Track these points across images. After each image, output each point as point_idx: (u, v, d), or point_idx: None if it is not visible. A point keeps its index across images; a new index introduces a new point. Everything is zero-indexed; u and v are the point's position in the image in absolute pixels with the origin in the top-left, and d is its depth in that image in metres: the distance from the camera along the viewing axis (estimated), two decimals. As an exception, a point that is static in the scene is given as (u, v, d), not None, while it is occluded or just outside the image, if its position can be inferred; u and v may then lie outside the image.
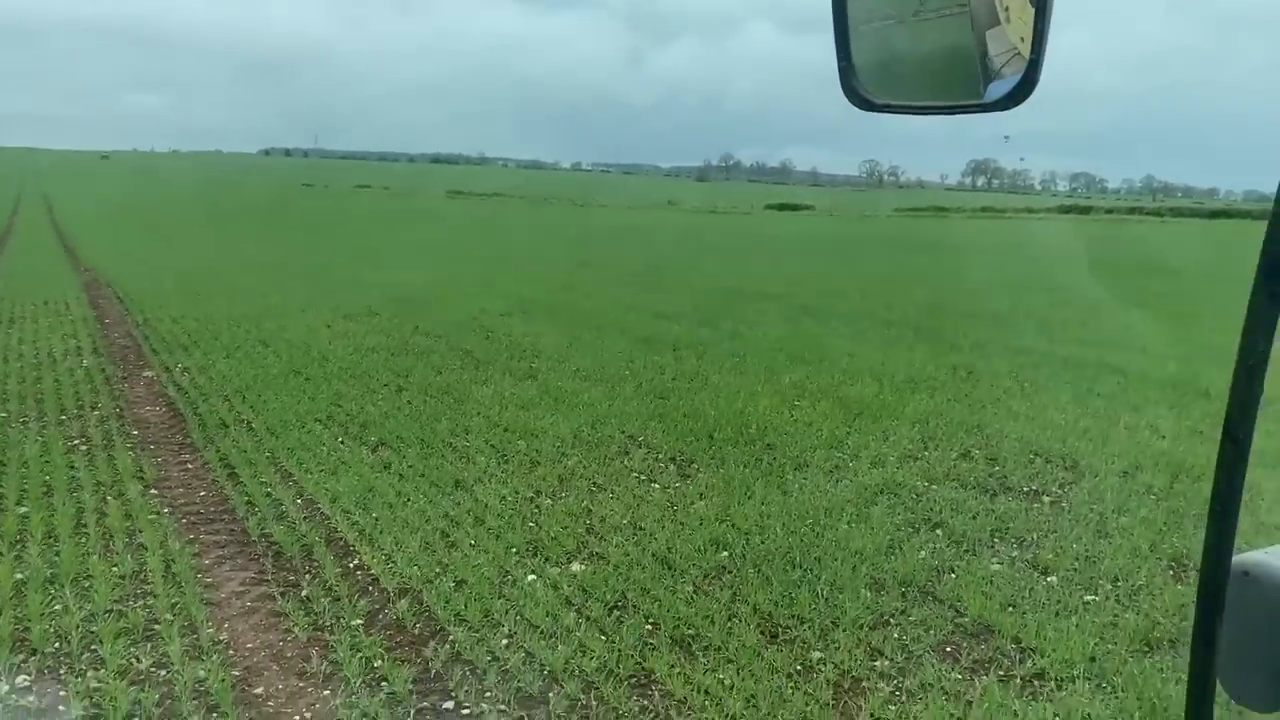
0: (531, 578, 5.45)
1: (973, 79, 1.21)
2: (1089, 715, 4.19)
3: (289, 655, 4.66)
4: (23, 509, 6.24)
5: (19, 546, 5.62)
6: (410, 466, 7.36)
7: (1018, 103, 1.12)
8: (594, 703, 4.23)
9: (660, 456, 7.74)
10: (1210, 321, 14.54)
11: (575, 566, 5.66)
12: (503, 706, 4.23)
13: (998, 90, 1.18)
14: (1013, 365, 11.53)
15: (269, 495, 6.65)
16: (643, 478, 7.22)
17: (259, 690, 4.37)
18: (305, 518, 6.27)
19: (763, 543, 5.97)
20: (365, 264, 22.17)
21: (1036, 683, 4.51)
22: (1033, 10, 1.12)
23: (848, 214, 65.51)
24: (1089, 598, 5.38)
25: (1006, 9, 1.18)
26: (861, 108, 1.30)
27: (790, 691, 4.34)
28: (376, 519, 6.24)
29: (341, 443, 7.90)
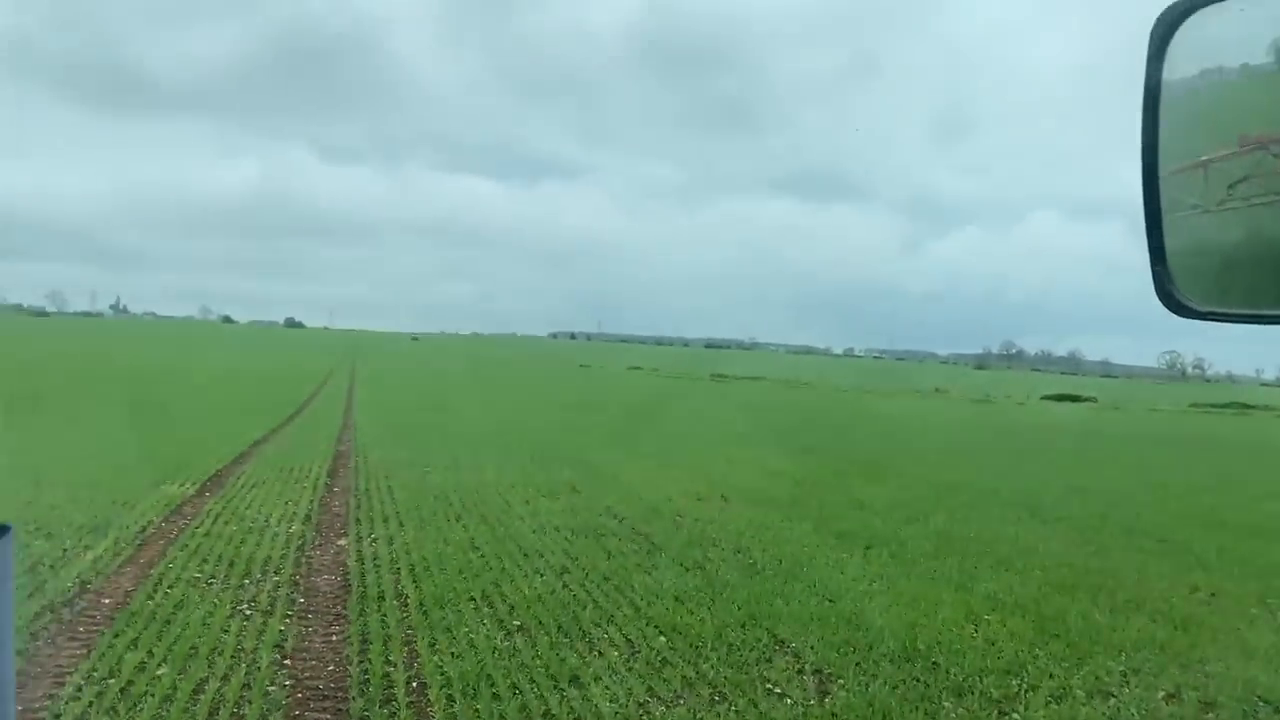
0: (607, 797, 4.97)
1: None
2: None
3: None
4: (162, 670, 6.50)
5: (137, 708, 5.82)
6: (537, 655, 7.09)
7: None
8: None
9: (804, 667, 7.04)
10: None
11: (659, 789, 5.12)
12: None
13: None
14: (1270, 589, 9.79)
15: (386, 676, 6.58)
16: (775, 690, 6.56)
17: None
18: (409, 703, 6.13)
19: (883, 784, 5.17)
20: (595, 441, 22.68)
21: None
22: None
23: (1133, 408, 60.56)
24: None
25: None
26: (1179, 314, 1.25)
27: None
28: (476, 711, 5.99)
29: (483, 624, 7.78)
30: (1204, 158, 1.26)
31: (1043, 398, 72.08)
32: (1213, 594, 9.64)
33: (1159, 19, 1.28)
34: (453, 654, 7.07)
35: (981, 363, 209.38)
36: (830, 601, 8.77)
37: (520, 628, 7.76)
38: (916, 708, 6.27)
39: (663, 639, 7.59)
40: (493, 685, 6.45)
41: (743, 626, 7.94)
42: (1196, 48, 1.28)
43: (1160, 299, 1.26)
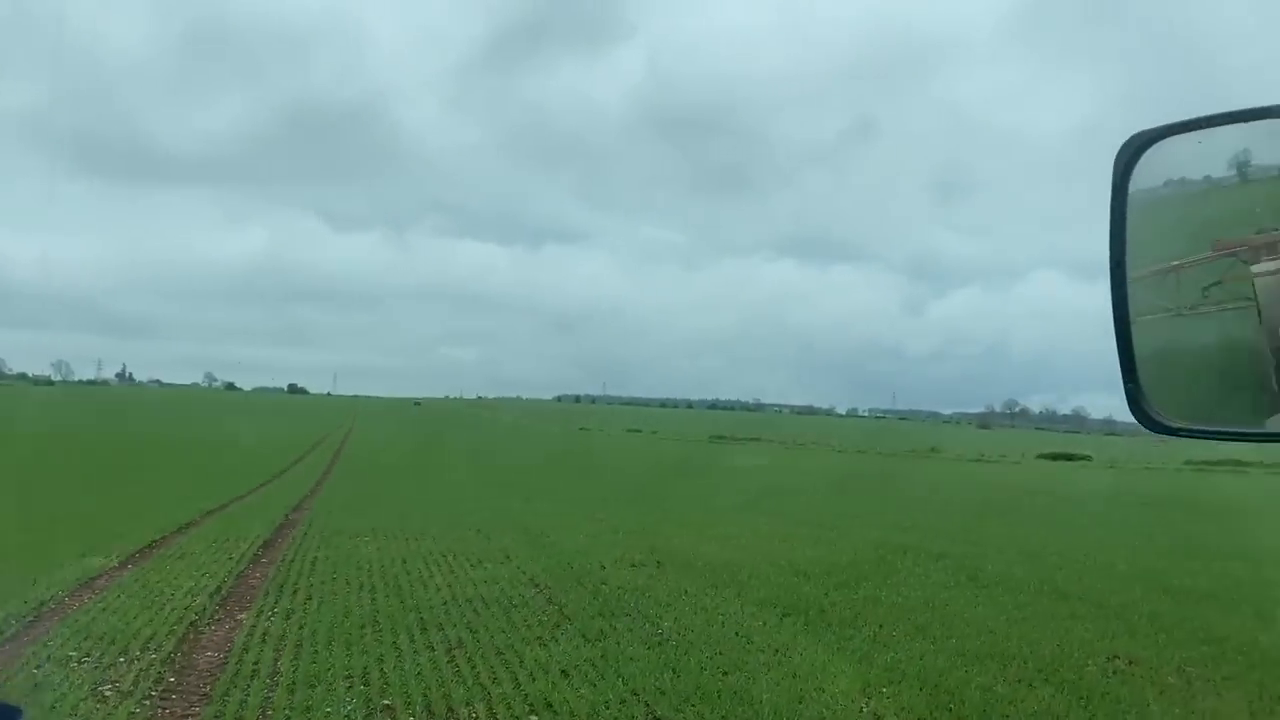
0: None
1: (1271, 391, 1.14)
2: None
3: None
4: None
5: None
6: (392, 738, 6.80)
7: None
8: None
9: (666, 747, 6.72)
10: None
11: None
12: None
13: None
14: (1193, 657, 9.43)
15: (220, 760, 6.29)
16: (625, 773, 6.24)
17: None
18: (232, 790, 5.83)
19: None
20: (553, 508, 22.33)
21: None
22: None
23: (1129, 466, 59.80)
24: None
25: None
26: (1153, 430, 1.27)
27: None
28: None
29: (348, 704, 7.49)
30: (1175, 262, 1.30)
31: (1038, 456, 71.39)
32: (1131, 662, 9.29)
33: (1123, 146, 1.34)
34: (303, 737, 6.78)
35: (984, 422, 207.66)
36: (724, 674, 8.44)
37: (387, 707, 7.47)
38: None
39: (533, 718, 7.29)
40: (329, 770, 6.16)
41: (622, 703, 7.64)
42: (1161, 165, 1.33)
43: (1134, 415, 1.28)
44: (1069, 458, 71.44)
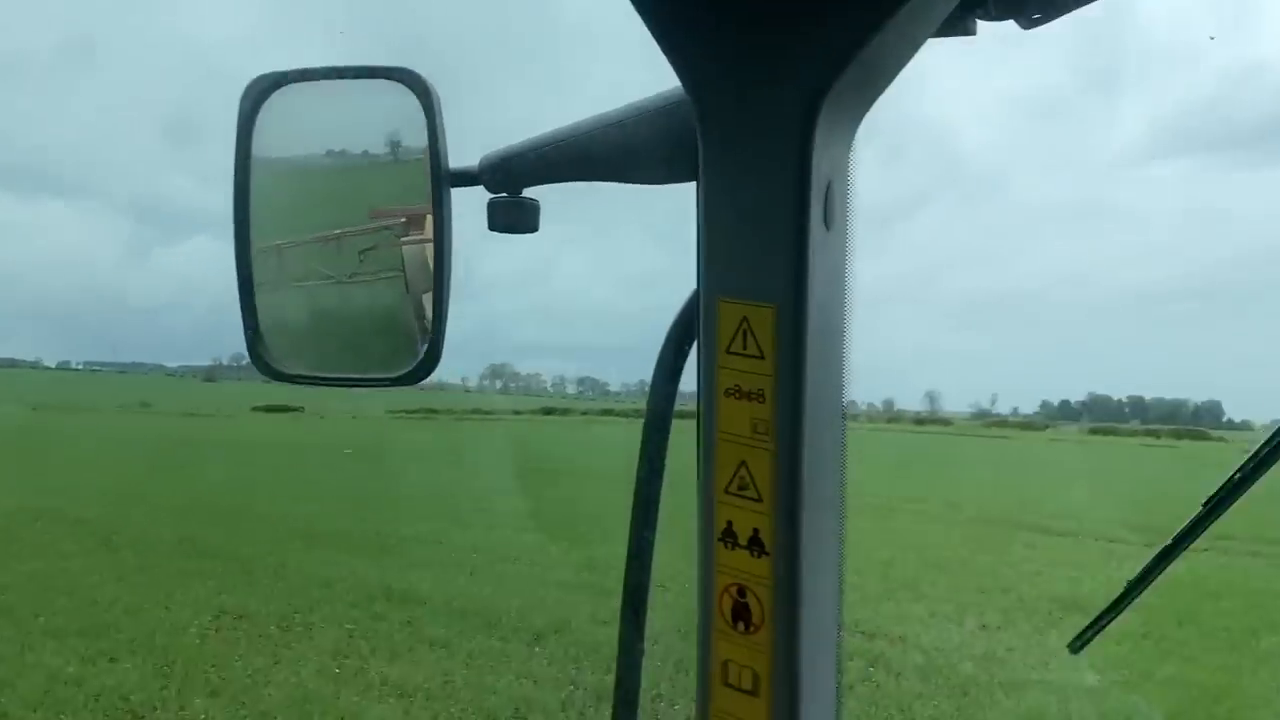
0: None
1: (398, 346, 1.26)
2: None
3: None
4: None
5: None
6: None
7: (424, 376, 1.18)
8: None
9: None
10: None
11: None
12: None
13: (410, 362, 1.20)
14: (303, 603, 9.70)
15: None
16: None
17: None
18: None
19: None
20: None
21: None
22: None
23: (339, 416, 62.71)
24: None
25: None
26: (271, 377, 1.31)
27: None
28: None
29: None
30: (338, 231, 1.33)
31: (254, 409, 71.15)
32: (240, 616, 9.17)
33: (247, 89, 1.25)
34: None
35: (210, 375, 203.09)
36: None
37: None
38: None
39: None
40: None
41: None
42: (323, 132, 1.33)
43: (254, 363, 1.31)
44: (283, 410, 72.50)
